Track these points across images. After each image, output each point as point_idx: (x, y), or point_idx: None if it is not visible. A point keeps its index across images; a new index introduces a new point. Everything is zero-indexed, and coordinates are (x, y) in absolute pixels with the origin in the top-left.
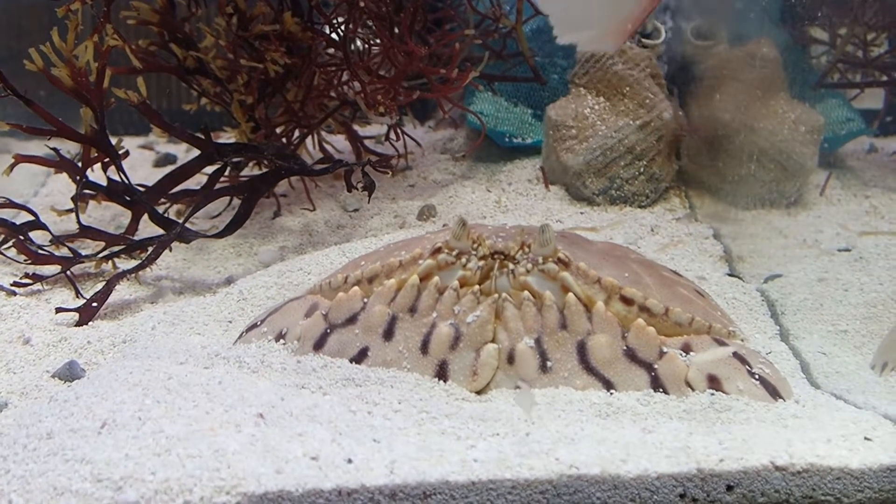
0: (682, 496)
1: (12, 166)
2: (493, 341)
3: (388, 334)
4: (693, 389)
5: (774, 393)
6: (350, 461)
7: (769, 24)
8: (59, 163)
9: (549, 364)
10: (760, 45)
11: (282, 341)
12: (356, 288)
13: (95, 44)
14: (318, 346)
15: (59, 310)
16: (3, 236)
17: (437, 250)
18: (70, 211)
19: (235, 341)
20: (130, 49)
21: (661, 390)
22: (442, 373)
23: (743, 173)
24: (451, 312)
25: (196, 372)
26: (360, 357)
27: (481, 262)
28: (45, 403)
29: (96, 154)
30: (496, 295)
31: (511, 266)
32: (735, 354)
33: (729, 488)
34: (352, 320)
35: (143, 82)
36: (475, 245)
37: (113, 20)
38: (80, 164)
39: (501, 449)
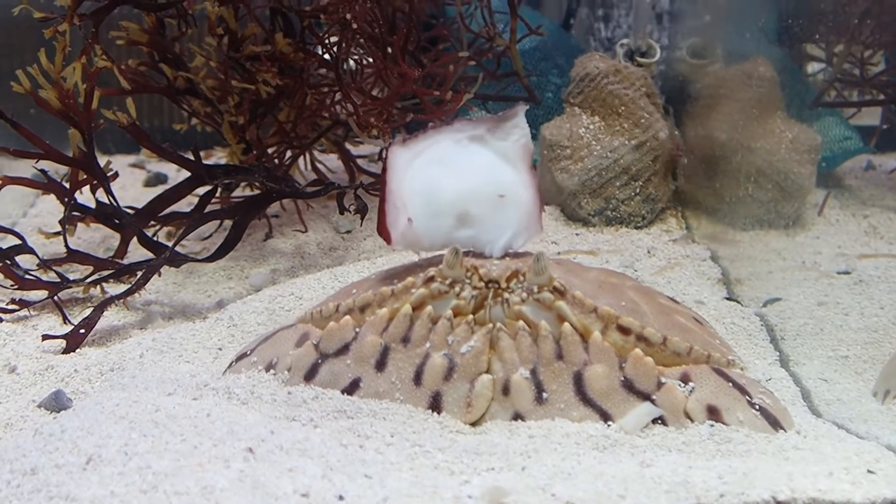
0: None
1: None
2: (487, 372)
3: (381, 365)
4: (692, 421)
5: (775, 423)
6: (341, 498)
7: (766, 42)
8: (46, 185)
9: (544, 395)
10: (757, 64)
11: (272, 371)
12: (348, 317)
13: (84, 65)
14: (309, 376)
15: (45, 337)
16: None
17: (430, 279)
18: (58, 234)
19: (225, 371)
20: (119, 70)
21: (659, 422)
22: (435, 404)
23: (740, 194)
24: (444, 343)
25: (184, 404)
26: (351, 388)
27: (475, 292)
28: (29, 437)
29: (85, 176)
30: (490, 325)
31: (506, 295)
32: (735, 384)
33: None
34: (343, 350)
35: (132, 103)
36: (469, 274)
37: (102, 40)
38: (68, 186)
39: (496, 484)
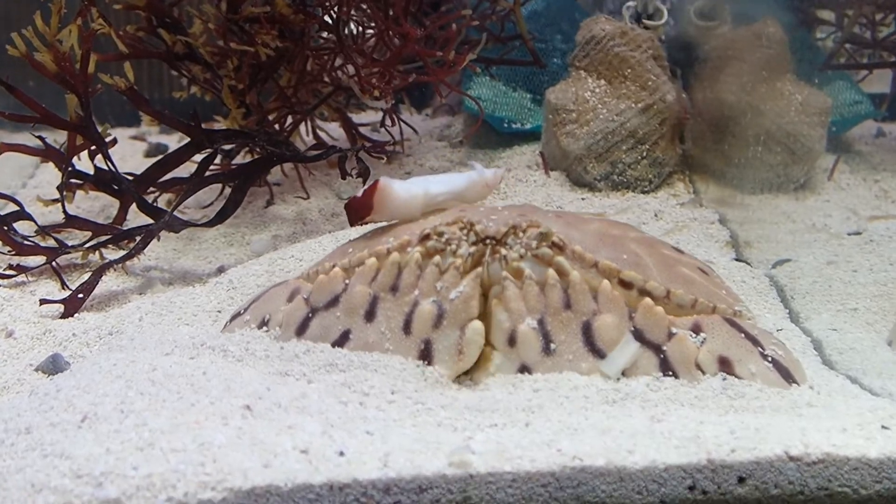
0: (691, 488)
1: None
2: (493, 322)
3: (370, 315)
4: (703, 373)
5: (788, 376)
6: (342, 454)
7: (774, 3)
8: (44, 151)
9: (552, 346)
10: (766, 25)
11: (265, 328)
12: (337, 269)
13: (79, 28)
14: (301, 331)
15: (43, 301)
16: None
17: (426, 237)
18: (57, 201)
19: (221, 331)
20: (117, 34)
21: (670, 374)
22: (426, 353)
23: (749, 157)
24: (433, 289)
25: (181, 363)
26: (342, 340)
27: (472, 249)
28: (24, 397)
29: (83, 142)
30: (480, 269)
31: (503, 252)
32: (747, 335)
33: (741, 480)
34: (333, 303)
35: (130, 68)
36: (465, 231)
37: (99, 5)
38: (65, 153)
39: (500, 440)
